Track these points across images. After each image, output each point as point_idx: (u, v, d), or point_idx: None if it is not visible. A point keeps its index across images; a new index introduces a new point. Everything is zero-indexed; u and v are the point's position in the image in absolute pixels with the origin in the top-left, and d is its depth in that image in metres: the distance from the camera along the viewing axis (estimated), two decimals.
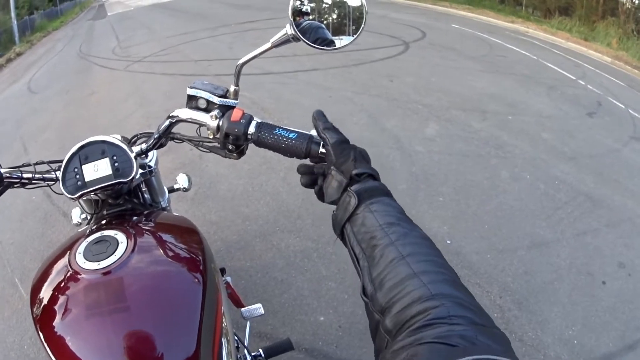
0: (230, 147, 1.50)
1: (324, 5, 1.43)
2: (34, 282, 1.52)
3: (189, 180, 2.48)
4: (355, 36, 1.44)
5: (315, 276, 4.06)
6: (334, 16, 1.43)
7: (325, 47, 1.43)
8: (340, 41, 1.44)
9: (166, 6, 33.20)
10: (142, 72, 11.65)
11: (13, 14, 33.77)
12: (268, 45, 1.47)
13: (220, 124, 1.47)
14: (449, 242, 4.14)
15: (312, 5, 1.42)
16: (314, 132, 1.42)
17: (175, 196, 2.44)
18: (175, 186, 2.47)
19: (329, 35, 1.43)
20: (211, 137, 1.53)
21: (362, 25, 1.41)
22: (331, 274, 4.08)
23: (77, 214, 2.23)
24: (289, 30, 1.39)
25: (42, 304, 1.40)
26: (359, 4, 1.41)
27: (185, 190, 2.49)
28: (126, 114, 8.42)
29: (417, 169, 5.04)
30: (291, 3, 1.38)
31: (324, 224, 4.26)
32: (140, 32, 20.54)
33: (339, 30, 1.43)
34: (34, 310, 1.42)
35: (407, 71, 8.40)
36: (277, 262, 4.07)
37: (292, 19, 1.38)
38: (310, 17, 1.42)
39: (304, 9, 1.41)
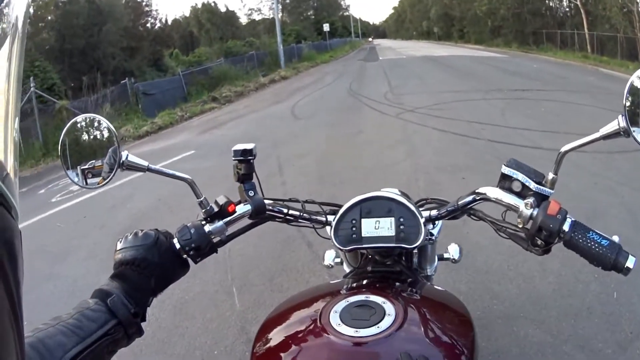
0: (538, 242, 1.40)
1: None
2: (269, 317, 1.52)
3: (461, 251, 2.34)
4: None
5: None
6: None
7: None
8: None
9: (438, 60, 34.12)
10: (414, 122, 11.93)
11: (279, 39, 36.02)
12: (597, 135, 1.32)
13: (534, 214, 1.39)
14: None
15: None
16: (616, 238, 1.34)
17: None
18: (445, 255, 2.32)
19: None
20: (520, 225, 1.43)
21: None
22: None
23: (330, 256, 2.22)
24: (620, 122, 1.23)
25: (269, 344, 1.37)
26: None
27: (455, 261, 2.32)
28: (393, 162, 8.62)
29: None
30: (625, 94, 1.22)
31: (567, 321, 4.18)
32: (412, 81, 21.13)
33: None
34: (257, 345, 1.40)
35: None
36: (512, 349, 3.87)
37: (625, 111, 1.22)
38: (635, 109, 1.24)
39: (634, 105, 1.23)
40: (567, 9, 45.46)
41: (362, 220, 1.57)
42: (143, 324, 1.30)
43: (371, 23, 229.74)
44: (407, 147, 9.65)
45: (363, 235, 1.56)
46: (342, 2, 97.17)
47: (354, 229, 1.57)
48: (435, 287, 1.83)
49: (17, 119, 0.46)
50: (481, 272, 4.85)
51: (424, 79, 21.86)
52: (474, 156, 8.50)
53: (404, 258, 1.78)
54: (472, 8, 56.69)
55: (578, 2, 39.41)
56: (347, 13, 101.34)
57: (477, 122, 11.49)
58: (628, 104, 1.22)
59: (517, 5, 48.21)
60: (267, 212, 1.65)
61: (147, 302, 1.34)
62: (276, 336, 1.38)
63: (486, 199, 1.52)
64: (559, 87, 17.63)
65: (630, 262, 1.30)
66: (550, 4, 48.07)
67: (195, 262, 1.49)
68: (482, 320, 4.17)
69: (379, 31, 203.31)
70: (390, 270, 1.68)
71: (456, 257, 2.29)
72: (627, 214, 5.94)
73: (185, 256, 1.46)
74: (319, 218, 1.69)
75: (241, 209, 1.58)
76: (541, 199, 1.40)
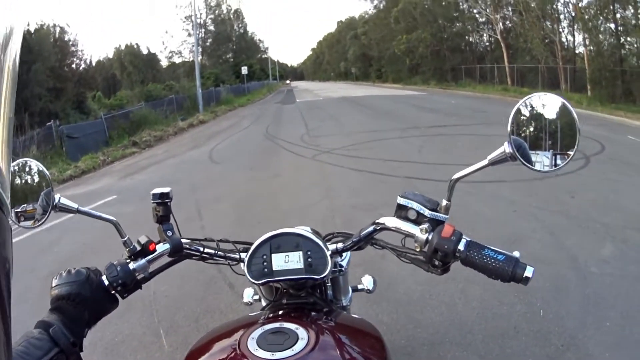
0: (436, 263, 1.51)
1: (536, 123, 1.42)
2: (192, 349, 1.58)
3: (375, 282, 2.43)
4: (571, 155, 1.40)
5: None
6: (544, 134, 1.42)
7: (544, 170, 1.43)
8: (547, 161, 1.43)
9: (355, 101, 34.62)
10: (330, 163, 12.15)
11: (198, 82, 36.16)
12: (485, 162, 1.45)
13: (430, 238, 1.49)
14: None
15: (529, 126, 1.41)
16: (517, 254, 1.43)
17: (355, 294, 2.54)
18: (360, 286, 2.43)
19: (540, 154, 1.43)
20: (417, 250, 1.54)
21: (576, 146, 1.40)
22: None
23: (249, 294, 2.33)
24: (506, 148, 1.38)
25: None
26: (571, 122, 1.40)
27: (369, 292, 2.41)
28: (310, 203, 8.75)
29: (590, 291, 5.00)
30: (510, 121, 1.39)
31: (494, 342, 4.29)
32: (329, 123, 21.56)
33: (540, 147, 1.42)
34: None
35: (587, 187, 8.29)
36: None
37: (510, 138, 1.38)
38: (522, 134, 1.42)
39: (521, 129, 1.42)
40: (487, 44, 46.69)
41: (272, 255, 1.66)
42: (82, 355, 1.40)
43: (289, 65, 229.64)
44: (323, 188, 9.83)
45: (274, 269, 1.65)
46: (261, 45, 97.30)
47: (265, 263, 1.65)
48: (351, 316, 1.96)
49: (11, 117, 0.50)
50: (402, 303, 4.94)
51: (340, 120, 22.32)
52: (390, 193, 8.15)
53: (318, 290, 1.89)
54: (390, 47, 57.42)
55: (499, 37, 40.38)
56: (265, 55, 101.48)
57: (393, 160, 11.76)
58: (512, 130, 1.39)
59: (436, 42, 49.16)
60: (185, 251, 1.76)
61: (83, 333, 1.44)
62: None
63: (385, 228, 1.63)
64: (477, 121, 18.25)
65: (528, 272, 1.38)
66: (470, 40, 49.27)
67: (123, 298, 1.60)
68: (407, 348, 4.26)
69: (297, 73, 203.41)
70: (304, 301, 1.77)
71: (370, 287, 2.38)
72: (549, 236, 6.19)
73: (113, 292, 1.55)
74: (233, 255, 1.78)
75: (161, 247, 1.69)
76: (436, 224, 1.52)
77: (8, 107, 0.50)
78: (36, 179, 1.55)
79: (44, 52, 29.89)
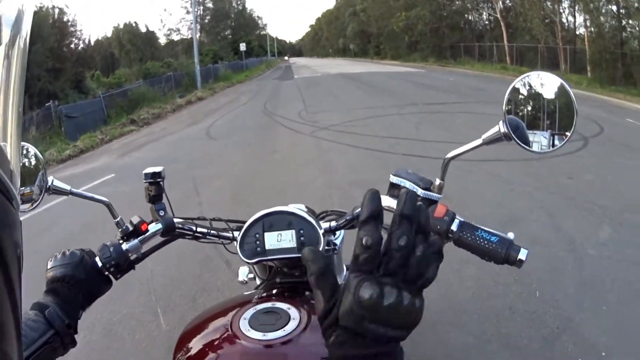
0: None
1: (534, 103, 1.37)
2: (186, 329, 1.58)
3: None
4: (568, 137, 1.35)
5: None
6: (540, 114, 1.37)
7: (540, 150, 1.37)
8: (545, 141, 1.37)
9: (353, 77, 34.47)
10: (328, 139, 12.14)
11: (196, 59, 35.90)
12: (479, 141, 1.40)
13: None
14: (603, 354, 4.04)
15: (526, 105, 1.37)
16: (511, 235, 1.39)
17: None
18: None
19: (538, 134, 1.37)
20: None
21: (573, 127, 1.34)
22: None
23: (244, 272, 2.32)
24: (501, 128, 1.33)
25: (189, 353, 1.43)
26: (569, 102, 1.34)
27: None
28: (307, 179, 8.79)
29: (587, 273, 5.01)
30: (505, 99, 1.33)
31: (489, 322, 4.31)
32: (327, 99, 21.49)
33: (537, 126, 1.37)
34: (178, 355, 1.47)
35: (585, 168, 8.29)
36: (437, 351, 4.03)
37: (505, 117, 1.32)
38: (519, 113, 1.37)
39: (518, 108, 1.37)
40: (487, 22, 46.34)
41: (265, 234, 1.63)
42: (75, 337, 1.41)
43: (288, 41, 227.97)
44: (321, 164, 9.84)
45: (267, 248, 1.63)
46: (260, 22, 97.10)
47: (257, 242, 1.63)
48: None
49: (20, 113, 0.49)
50: None
51: (338, 97, 22.28)
52: (387, 170, 8.08)
53: None
54: (389, 24, 57.10)
55: (498, 15, 40.20)
56: (264, 32, 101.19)
57: (391, 137, 11.77)
58: (508, 109, 1.33)
59: (435, 20, 48.89)
60: (177, 230, 1.76)
61: (77, 315, 1.45)
62: (193, 346, 1.45)
63: None
64: (476, 99, 18.26)
65: (522, 255, 1.34)
66: (470, 18, 48.94)
67: (116, 278, 1.60)
68: None
69: (295, 49, 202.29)
70: (298, 280, 1.74)
71: None
72: (546, 217, 6.18)
73: (107, 273, 1.55)
74: (226, 234, 1.77)
75: (153, 227, 1.69)
76: (429, 204, 1.47)
77: (17, 99, 0.48)
78: (32, 161, 1.55)
79: (43, 33, 29.85)
